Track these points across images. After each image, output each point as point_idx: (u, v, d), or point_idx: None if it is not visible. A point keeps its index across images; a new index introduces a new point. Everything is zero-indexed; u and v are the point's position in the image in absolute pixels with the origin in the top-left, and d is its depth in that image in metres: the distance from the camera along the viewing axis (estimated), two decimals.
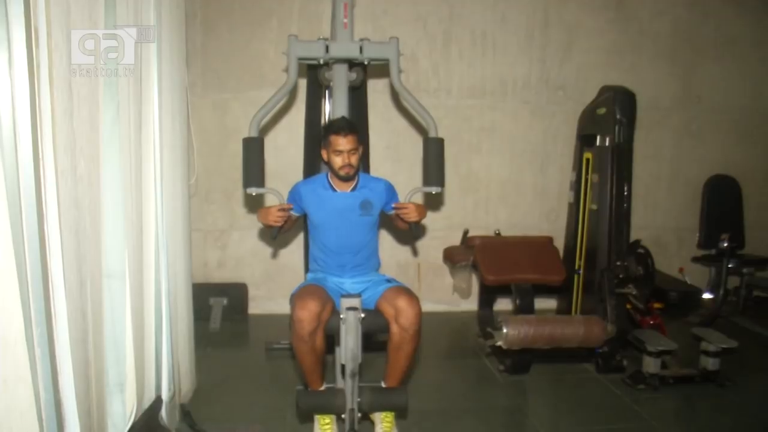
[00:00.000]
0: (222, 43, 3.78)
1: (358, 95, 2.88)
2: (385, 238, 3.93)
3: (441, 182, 2.39)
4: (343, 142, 2.22)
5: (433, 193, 2.40)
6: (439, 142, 2.39)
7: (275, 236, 2.27)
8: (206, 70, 3.78)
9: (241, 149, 2.32)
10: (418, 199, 2.19)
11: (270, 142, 3.79)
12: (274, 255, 3.99)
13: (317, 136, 2.99)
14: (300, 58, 2.50)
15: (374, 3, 3.81)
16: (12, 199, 1.33)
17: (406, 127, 3.99)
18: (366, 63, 2.54)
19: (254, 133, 2.31)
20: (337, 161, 2.25)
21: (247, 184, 2.31)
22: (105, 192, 1.79)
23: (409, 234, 2.63)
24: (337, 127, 2.25)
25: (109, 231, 1.86)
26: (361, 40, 2.50)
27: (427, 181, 2.40)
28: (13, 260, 1.33)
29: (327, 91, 2.89)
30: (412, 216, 2.30)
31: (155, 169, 2.19)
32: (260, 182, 2.30)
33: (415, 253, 4.10)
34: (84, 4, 1.57)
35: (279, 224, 2.29)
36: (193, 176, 2.84)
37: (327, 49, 2.49)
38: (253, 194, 2.31)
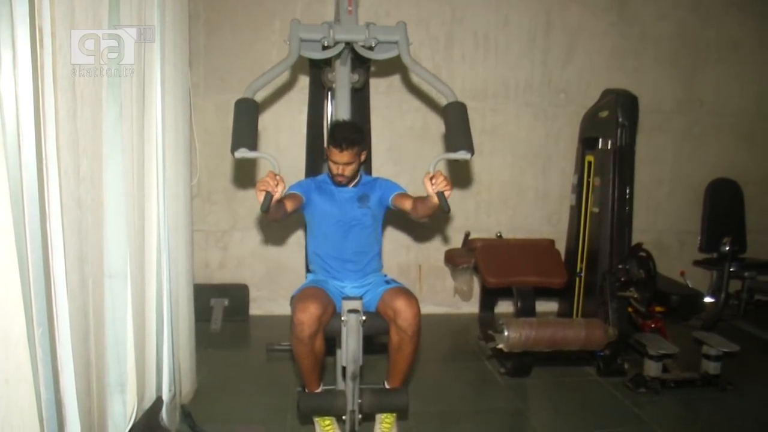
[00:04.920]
0: (225, 45, 3.79)
1: (360, 97, 2.89)
2: (387, 240, 3.92)
3: (470, 147, 2.06)
4: (339, 157, 2.24)
5: (461, 160, 2.09)
6: (462, 106, 2.15)
7: (266, 208, 1.84)
8: (209, 71, 3.79)
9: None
10: (441, 170, 1.95)
11: (272, 143, 3.82)
12: (276, 256, 3.99)
13: (319, 137, 3.01)
14: (302, 40, 2.32)
15: (376, 5, 3.81)
16: (15, 198, 1.33)
17: (408, 129, 3.99)
18: (373, 46, 2.34)
19: (249, 96, 2.05)
20: (333, 169, 2.30)
21: (236, 145, 1.92)
22: (107, 192, 1.79)
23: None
24: (337, 139, 2.22)
25: (111, 231, 1.86)
26: (367, 24, 2.38)
27: (451, 148, 2.08)
28: (15, 259, 1.33)
29: (329, 93, 2.89)
30: (442, 185, 1.89)
31: (158, 170, 2.19)
32: (252, 144, 1.96)
33: (416, 255, 4.11)
34: (88, 5, 1.57)
35: (268, 189, 1.84)
36: (195, 177, 2.84)
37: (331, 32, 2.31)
38: (245, 157, 1.95)
